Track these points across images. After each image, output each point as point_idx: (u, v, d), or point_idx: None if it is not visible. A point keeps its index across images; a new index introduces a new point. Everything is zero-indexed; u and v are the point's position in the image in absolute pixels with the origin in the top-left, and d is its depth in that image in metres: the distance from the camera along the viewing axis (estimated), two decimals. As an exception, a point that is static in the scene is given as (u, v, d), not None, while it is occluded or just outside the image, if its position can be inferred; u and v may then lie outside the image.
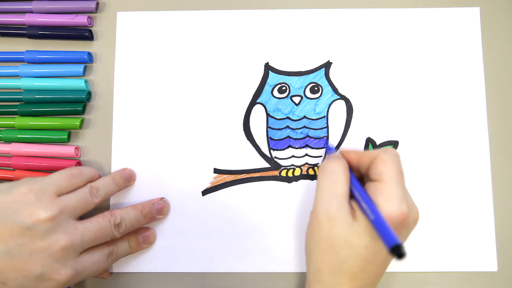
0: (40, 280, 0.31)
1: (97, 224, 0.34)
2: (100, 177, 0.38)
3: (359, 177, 0.34)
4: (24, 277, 0.30)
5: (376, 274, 0.32)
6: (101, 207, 0.39)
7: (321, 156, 0.40)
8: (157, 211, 0.39)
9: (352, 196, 0.33)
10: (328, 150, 0.40)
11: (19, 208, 0.31)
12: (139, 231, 0.39)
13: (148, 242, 0.39)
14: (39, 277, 0.31)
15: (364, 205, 0.30)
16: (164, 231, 0.40)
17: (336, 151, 0.39)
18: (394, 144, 0.40)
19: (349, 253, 0.30)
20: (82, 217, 0.34)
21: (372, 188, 0.31)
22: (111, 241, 0.35)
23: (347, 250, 0.30)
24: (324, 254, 0.31)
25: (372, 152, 0.33)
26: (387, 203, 0.30)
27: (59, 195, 0.33)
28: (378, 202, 0.30)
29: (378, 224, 0.28)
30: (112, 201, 0.40)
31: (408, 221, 0.31)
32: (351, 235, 0.30)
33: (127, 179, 0.39)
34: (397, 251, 0.26)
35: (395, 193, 0.30)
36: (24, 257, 0.30)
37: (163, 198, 0.40)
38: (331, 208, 0.31)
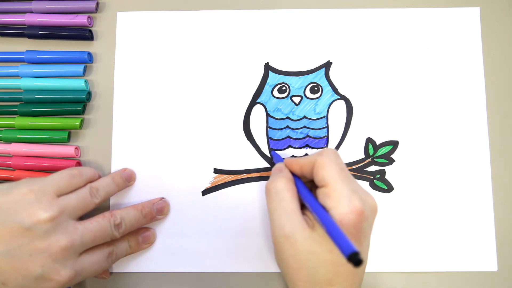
0: (40, 281, 0.31)
1: (97, 225, 0.34)
2: (100, 177, 0.38)
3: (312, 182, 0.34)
4: (24, 278, 0.30)
5: (353, 274, 0.31)
6: (101, 207, 0.39)
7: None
8: (157, 211, 0.39)
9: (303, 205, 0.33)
10: (275, 159, 0.39)
11: (19, 208, 0.31)
12: (139, 231, 0.39)
13: (148, 242, 0.39)
14: (39, 278, 0.31)
15: (315, 213, 0.30)
16: (164, 231, 0.40)
17: (281, 159, 0.38)
18: (394, 144, 0.40)
19: (316, 262, 0.30)
20: (82, 217, 0.34)
21: (321, 194, 0.31)
22: (111, 241, 0.35)
23: (314, 261, 0.30)
24: (296, 271, 0.31)
25: (309, 158, 0.33)
26: (337, 205, 0.30)
27: (59, 195, 0.33)
28: (329, 206, 0.30)
29: (332, 233, 0.28)
30: (112, 201, 0.40)
31: (366, 214, 0.30)
32: (313, 245, 0.30)
33: (127, 179, 0.39)
34: (354, 259, 0.25)
35: (342, 192, 0.30)
36: (24, 257, 0.30)
37: (163, 198, 0.40)
38: (285, 228, 0.31)
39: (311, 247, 0.30)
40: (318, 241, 0.30)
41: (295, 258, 0.31)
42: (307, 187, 0.33)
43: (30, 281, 0.31)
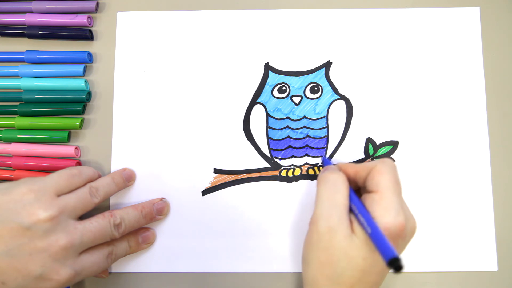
0: (40, 280, 0.31)
1: (97, 225, 0.34)
2: (100, 177, 0.38)
3: (355, 190, 0.35)
4: (24, 277, 0.30)
5: (373, 284, 0.32)
6: (101, 207, 0.39)
7: (321, 156, 0.40)
8: (157, 211, 0.39)
9: (349, 208, 0.33)
10: (325, 163, 0.39)
11: (19, 208, 0.31)
12: (139, 231, 0.39)
13: (148, 242, 0.39)
14: (39, 277, 0.31)
15: (362, 218, 0.30)
16: (164, 231, 0.40)
17: (331, 163, 0.38)
18: (394, 144, 0.40)
19: (347, 264, 0.30)
20: (82, 217, 0.34)
21: (369, 199, 0.31)
22: (110, 241, 0.35)
23: (345, 262, 0.30)
24: (322, 265, 0.31)
25: (369, 163, 0.33)
26: (384, 214, 0.30)
27: (59, 195, 0.33)
28: (375, 213, 0.30)
29: (375, 237, 0.28)
30: (112, 201, 0.40)
31: (405, 232, 0.31)
32: (350, 247, 0.30)
33: (127, 179, 0.39)
34: (395, 264, 0.26)
35: (392, 204, 0.30)
36: (24, 257, 0.30)
37: (163, 198, 0.40)
38: (332, 220, 0.31)
39: (348, 247, 0.30)
40: (356, 244, 0.30)
41: (327, 252, 0.31)
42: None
43: (30, 280, 0.31)
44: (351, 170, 0.35)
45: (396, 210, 0.30)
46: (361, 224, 0.30)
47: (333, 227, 0.31)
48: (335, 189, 0.32)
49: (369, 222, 0.29)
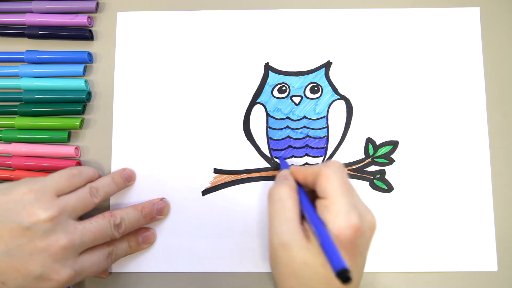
0: (40, 280, 0.31)
1: (97, 225, 0.34)
2: (100, 177, 0.38)
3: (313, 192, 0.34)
4: (24, 277, 0.30)
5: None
6: (101, 207, 0.39)
7: (321, 156, 0.40)
8: (157, 211, 0.39)
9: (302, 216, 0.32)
10: (282, 166, 0.39)
11: (19, 208, 0.31)
12: (139, 231, 0.39)
13: (148, 242, 0.39)
14: (39, 277, 0.31)
15: (312, 226, 0.30)
16: (164, 231, 0.40)
17: (287, 166, 0.38)
18: (394, 144, 0.40)
19: (309, 274, 0.30)
20: (82, 217, 0.34)
21: (320, 206, 0.31)
22: (110, 241, 0.35)
23: (307, 272, 0.30)
24: (288, 279, 0.31)
25: (315, 168, 0.33)
26: (335, 219, 0.29)
27: (59, 195, 0.33)
28: (326, 219, 0.30)
29: (324, 247, 0.28)
30: (112, 201, 0.40)
31: (362, 230, 0.30)
32: (307, 257, 0.30)
33: (127, 179, 0.39)
34: (343, 276, 0.25)
35: (341, 207, 0.30)
36: (24, 257, 0.30)
37: (163, 198, 0.40)
38: (283, 236, 0.31)
39: (305, 258, 0.30)
40: (313, 253, 0.30)
41: (289, 267, 0.31)
42: (308, 197, 0.33)
43: (30, 280, 0.31)
44: (300, 175, 0.34)
45: (346, 212, 0.30)
46: (313, 233, 0.30)
47: (286, 242, 0.30)
48: (282, 205, 0.32)
49: (319, 231, 0.29)
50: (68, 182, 0.34)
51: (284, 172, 0.36)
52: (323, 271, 0.30)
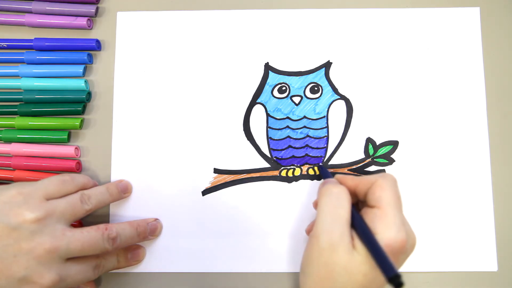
0: (23, 283, 0.30)
1: (88, 235, 0.33)
2: (96, 185, 0.38)
3: (354, 203, 0.34)
4: (7, 279, 0.30)
5: None
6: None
7: (321, 156, 0.40)
8: (150, 231, 0.38)
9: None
10: (324, 175, 0.39)
11: (6, 209, 0.31)
12: (130, 248, 0.39)
13: (137, 260, 0.39)
14: (23, 279, 0.30)
15: (363, 234, 0.30)
16: (164, 231, 0.40)
17: (330, 175, 0.38)
18: (394, 144, 0.40)
19: (347, 280, 0.30)
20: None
21: (370, 215, 0.31)
22: (100, 254, 0.35)
23: (345, 278, 0.30)
24: (321, 280, 0.31)
25: (369, 177, 0.33)
26: (386, 230, 0.30)
27: (48, 199, 0.33)
28: (377, 229, 0.30)
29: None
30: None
31: (406, 247, 0.30)
32: (351, 263, 0.30)
33: (123, 191, 0.39)
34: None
35: (394, 219, 0.30)
36: (8, 258, 0.30)
37: (157, 219, 0.40)
38: (333, 235, 0.31)
39: (348, 263, 0.30)
40: (357, 261, 0.30)
41: (328, 267, 0.30)
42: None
43: (13, 282, 0.30)
44: (351, 183, 0.34)
45: (398, 226, 0.30)
46: (362, 240, 0.30)
47: (334, 242, 0.30)
48: (338, 204, 0.32)
49: (370, 239, 0.29)
50: (59, 187, 0.34)
51: (331, 179, 0.35)
52: (361, 280, 0.30)
